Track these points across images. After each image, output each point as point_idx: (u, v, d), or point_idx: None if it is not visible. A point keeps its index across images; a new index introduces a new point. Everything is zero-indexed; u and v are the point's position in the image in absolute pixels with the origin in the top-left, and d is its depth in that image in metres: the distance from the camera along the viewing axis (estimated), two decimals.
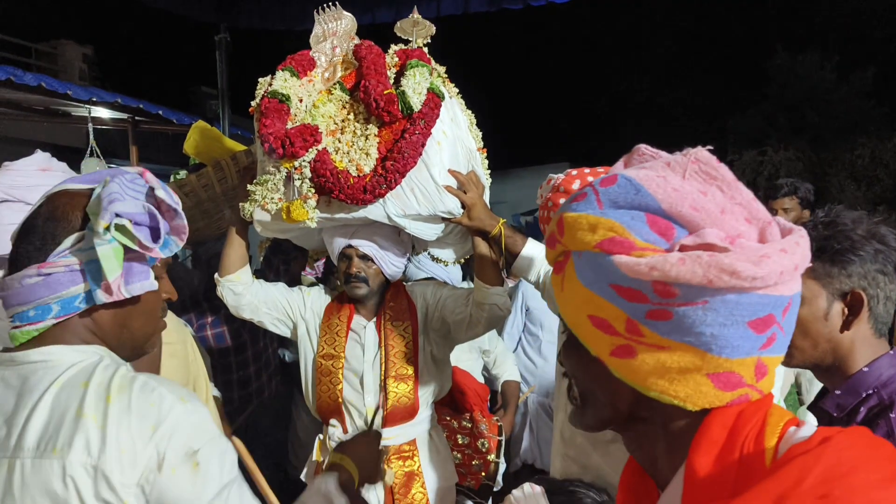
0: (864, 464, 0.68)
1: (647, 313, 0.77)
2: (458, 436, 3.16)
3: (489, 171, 2.45)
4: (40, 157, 1.89)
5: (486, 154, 2.45)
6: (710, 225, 0.77)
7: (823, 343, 1.36)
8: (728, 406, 0.80)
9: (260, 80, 2.29)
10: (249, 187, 2.23)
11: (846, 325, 1.35)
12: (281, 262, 3.27)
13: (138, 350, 1.23)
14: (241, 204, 2.28)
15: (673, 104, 19.26)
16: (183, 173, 2.89)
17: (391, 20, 5.11)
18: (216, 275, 2.47)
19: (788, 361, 1.39)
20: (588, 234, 0.80)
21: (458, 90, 2.38)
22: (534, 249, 2.26)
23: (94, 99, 5.65)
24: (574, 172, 2.19)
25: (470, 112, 2.42)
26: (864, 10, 17.09)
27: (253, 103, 2.25)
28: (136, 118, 6.50)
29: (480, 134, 2.45)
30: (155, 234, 1.15)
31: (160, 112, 6.26)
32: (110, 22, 11.89)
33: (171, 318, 2.05)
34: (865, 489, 0.66)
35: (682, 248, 0.76)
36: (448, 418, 3.15)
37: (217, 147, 2.80)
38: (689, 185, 0.79)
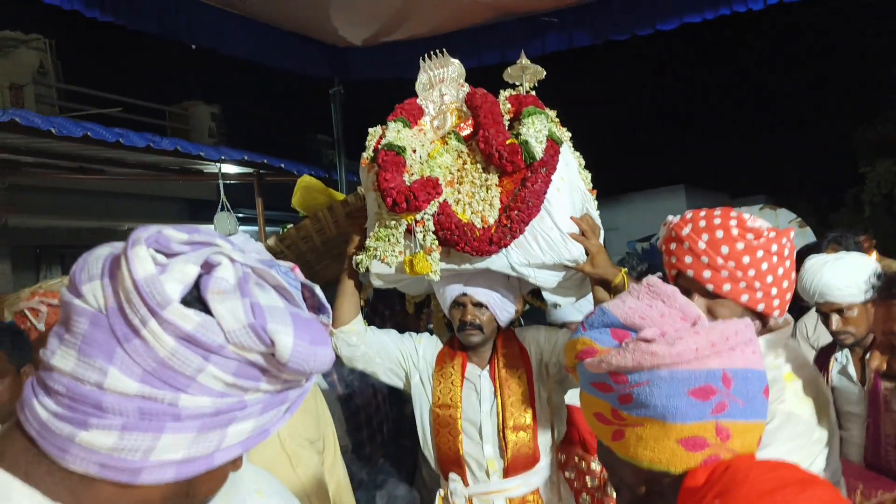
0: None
1: (619, 398, 1.02)
2: (588, 478, 3.07)
3: (597, 203, 2.41)
4: (239, 240, 1.94)
5: (595, 195, 2.41)
6: (653, 326, 1.03)
7: None
8: (701, 465, 0.99)
9: (370, 130, 2.29)
10: (368, 242, 2.21)
11: None
12: (386, 307, 3.27)
13: None
14: (355, 257, 2.27)
15: (791, 116, 18.33)
16: (290, 227, 2.97)
17: (498, 62, 5.18)
18: (329, 326, 2.47)
19: None
20: (572, 352, 1.10)
21: (570, 134, 2.34)
22: None
23: (224, 157, 6.00)
24: (689, 216, 2.10)
25: (578, 154, 2.39)
26: None
27: (364, 155, 2.25)
28: (261, 171, 6.84)
29: (589, 175, 2.41)
30: None
31: (282, 165, 6.57)
32: (234, 81, 12.66)
33: None
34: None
35: (626, 344, 1.02)
36: (577, 459, 3.08)
37: (319, 199, 2.86)
38: (640, 302, 1.07)
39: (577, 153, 2.39)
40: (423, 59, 2.40)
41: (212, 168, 6.53)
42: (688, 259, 1.71)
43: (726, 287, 1.66)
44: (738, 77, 18.91)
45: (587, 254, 2.19)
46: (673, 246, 1.76)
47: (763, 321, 1.74)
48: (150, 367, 0.74)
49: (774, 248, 1.65)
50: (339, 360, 3.27)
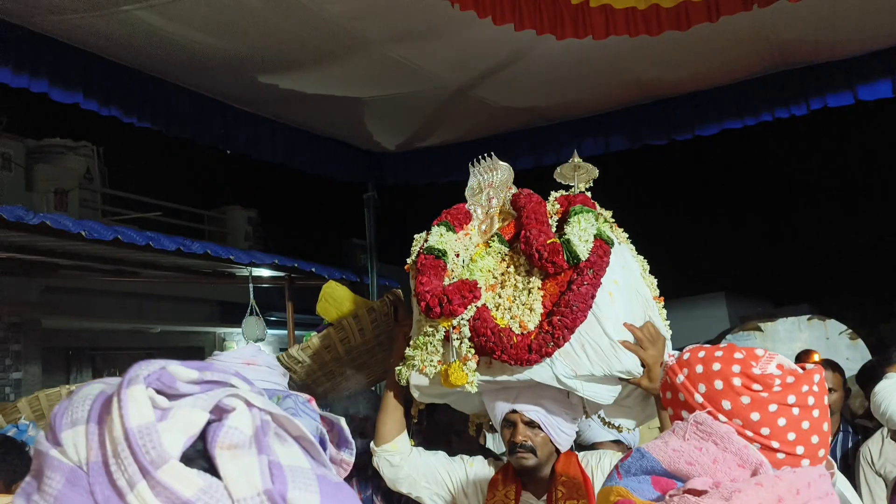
0: None
1: None
2: None
3: (668, 322, 2.22)
4: (249, 351, 1.86)
5: (663, 303, 2.23)
6: (703, 474, 0.94)
7: None
8: None
9: (416, 236, 2.24)
10: (406, 351, 2.11)
11: None
12: (451, 429, 3.10)
13: None
14: (396, 368, 2.16)
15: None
16: (313, 335, 2.86)
17: (532, 167, 5.14)
18: (371, 444, 2.31)
19: None
20: (605, 502, 0.98)
21: (627, 235, 2.22)
22: None
23: (255, 262, 5.98)
24: (686, 356, 1.69)
25: (642, 258, 2.25)
26: None
27: (409, 260, 2.19)
28: (292, 275, 6.81)
29: (655, 281, 2.24)
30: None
31: (313, 269, 6.53)
32: (271, 186, 12.95)
33: None
34: None
35: (671, 497, 0.91)
36: None
37: (344, 306, 2.77)
38: (687, 444, 0.99)
39: (641, 257, 2.26)
40: (472, 164, 2.35)
41: (243, 271, 6.51)
42: (685, 415, 1.38)
43: None
44: (782, 180, 18.80)
45: (643, 366, 1.99)
46: (668, 395, 1.47)
47: None
48: None
49: (792, 398, 1.34)
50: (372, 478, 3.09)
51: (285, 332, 7.70)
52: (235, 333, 9.36)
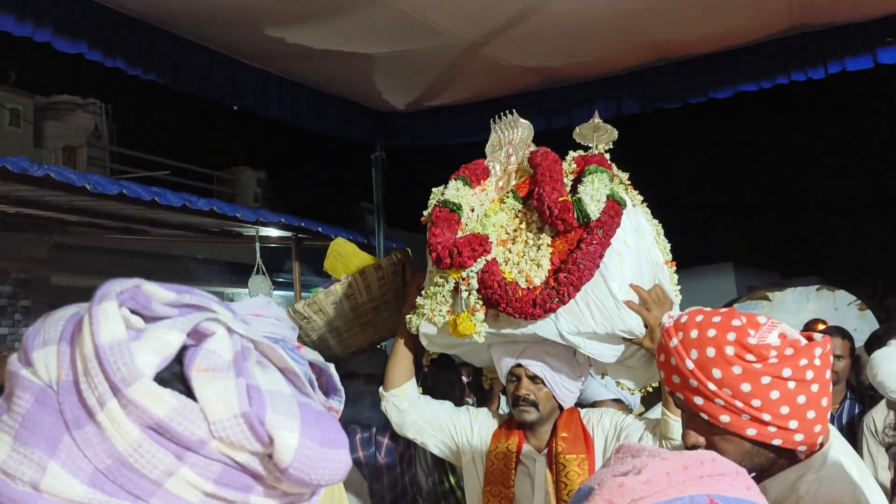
0: None
1: None
2: None
3: (678, 287, 2.25)
4: (258, 302, 1.89)
5: (675, 267, 2.26)
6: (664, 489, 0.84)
7: None
8: None
9: (433, 189, 2.29)
10: (417, 300, 2.18)
11: None
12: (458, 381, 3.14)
13: None
14: (407, 316, 2.23)
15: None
16: (319, 290, 2.88)
17: (543, 130, 5.06)
18: (381, 389, 2.39)
19: None
20: None
21: (642, 198, 2.25)
22: None
23: (261, 220, 5.95)
24: (684, 318, 1.50)
25: (656, 221, 2.27)
26: None
27: (425, 213, 2.25)
28: (299, 235, 6.80)
29: (669, 245, 2.26)
30: None
31: (320, 229, 6.52)
32: (280, 147, 12.89)
33: None
34: None
35: (598, 486, 0.84)
36: None
37: (352, 263, 2.81)
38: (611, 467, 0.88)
39: (656, 221, 2.28)
40: (494, 120, 2.40)
41: (250, 231, 6.50)
42: (675, 379, 1.38)
43: (724, 418, 1.32)
44: (796, 148, 18.52)
45: (646, 326, 2.02)
46: (662, 358, 1.42)
47: (789, 457, 1.38)
48: (104, 464, 0.56)
49: (788, 371, 1.28)
50: (366, 441, 3.11)
51: (292, 292, 7.70)
52: (243, 294, 9.40)
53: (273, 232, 6.69)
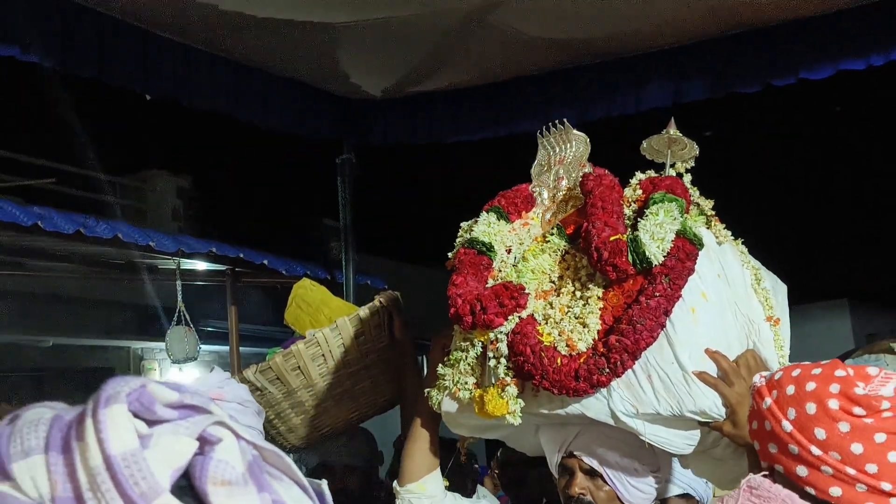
0: None
1: None
2: None
3: (783, 352, 2.27)
4: (214, 380, 1.91)
5: (779, 326, 2.28)
6: None
7: None
8: None
9: (461, 224, 2.39)
10: (439, 369, 2.24)
11: None
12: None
13: None
14: (427, 391, 2.31)
15: None
16: (276, 351, 2.92)
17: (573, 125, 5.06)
18: (395, 483, 2.47)
19: None
20: None
21: (730, 233, 2.29)
22: None
23: (183, 249, 5.93)
24: (778, 375, 1.76)
25: (755, 265, 2.31)
26: None
27: (449, 255, 2.33)
28: (237, 270, 6.79)
29: (770, 293, 2.30)
30: None
31: (265, 262, 6.50)
32: (210, 145, 12.89)
33: None
34: None
35: None
36: None
37: (322, 313, 2.87)
38: None
39: (757, 263, 2.32)
40: (541, 133, 2.45)
41: (169, 264, 6.48)
42: (772, 448, 1.51)
43: (835, 491, 1.43)
44: None
45: (726, 406, 2.03)
46: (754, 425, 1.59)
47: None
48: None
49: None
50: None
51: (226, 347, 7.68)
52: (157, 349, 9.36)
53: (200, 265, 6.68)
